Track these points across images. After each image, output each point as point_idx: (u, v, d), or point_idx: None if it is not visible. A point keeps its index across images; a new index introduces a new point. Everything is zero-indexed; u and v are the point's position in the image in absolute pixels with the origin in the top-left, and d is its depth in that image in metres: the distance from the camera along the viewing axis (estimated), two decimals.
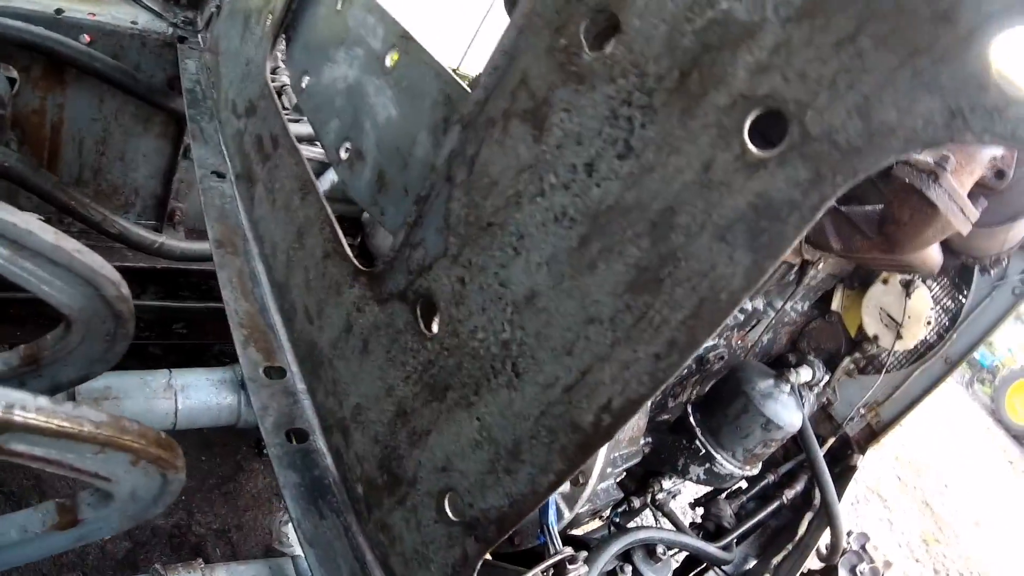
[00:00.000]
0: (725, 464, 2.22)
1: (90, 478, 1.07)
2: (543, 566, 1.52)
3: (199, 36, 2.48)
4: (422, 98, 1.21)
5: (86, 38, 2.37)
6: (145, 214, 2.64)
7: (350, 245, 2.50)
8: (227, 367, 1.88)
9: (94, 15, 2.41)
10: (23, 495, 2.35)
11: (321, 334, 1.35)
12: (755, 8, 0.70)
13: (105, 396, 1.63)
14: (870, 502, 6.74)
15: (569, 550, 1.59)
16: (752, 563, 2.68)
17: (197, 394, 1.83)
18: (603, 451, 1.82)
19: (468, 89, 1.11)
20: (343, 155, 1.40)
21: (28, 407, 0.89)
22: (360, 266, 1.23)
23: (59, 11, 2.32)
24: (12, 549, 1.12)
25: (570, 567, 1.56)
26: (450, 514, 1.06)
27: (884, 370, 2.75)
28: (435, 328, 1.08)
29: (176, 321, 2.55)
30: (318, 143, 2.52)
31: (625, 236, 0.79)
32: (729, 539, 2.41)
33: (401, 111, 1.26)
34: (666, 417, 2.53)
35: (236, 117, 1.86)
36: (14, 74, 2.23)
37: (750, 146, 0.70)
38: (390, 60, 1.32)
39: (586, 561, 1.79)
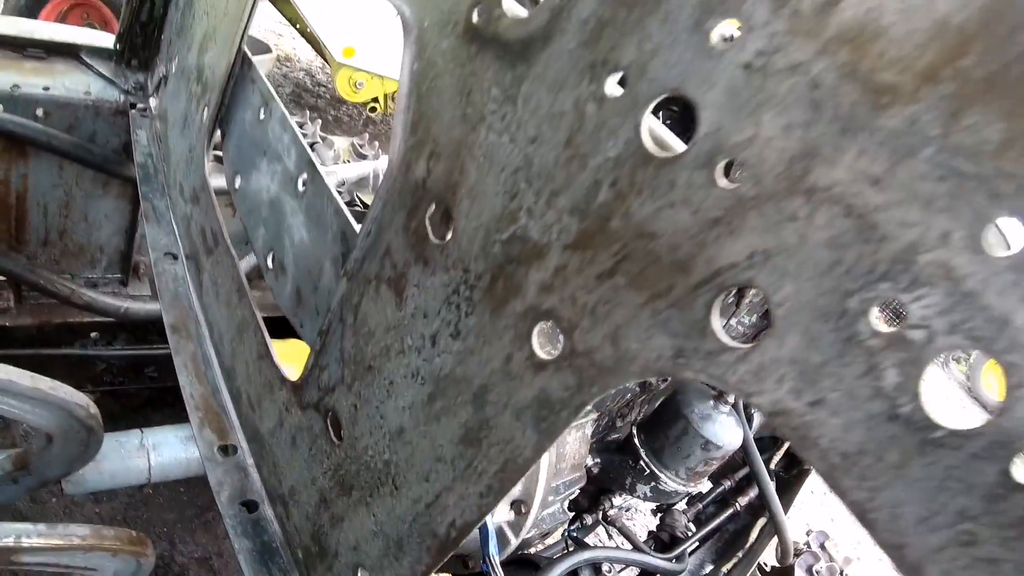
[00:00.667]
0: (669, 483, 2.35)
1: (80, 571, 1.37)
2: None
3: (150, 101, 2.64)
4: (325, 230, 1.41)
5: (41, 111, 2.55)
6: (111, 269, 2.84)
7: None
8: None
9: (48, 88, 2.58)
10: None
11: (261, 422, 1.57)
12: (545, 231, 0.90)
13: None
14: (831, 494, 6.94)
15: None
16: (708, 569, 2.85)
17: (168, 451, 2.07)
18: (543, 479, 2.01)
19: (357, 230, 1.30)
20: (269, 264, 1.60)
21: (31, 535, 1.20)
22: (285, 375, 1.44)
23: (16, 87, 2.49)
24: None
25: None
26: None
27: None
28: (343, 437, 1.29)
29: (147, 365, 2.79)
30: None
31: (457, 401, 1.00)
32: (680, 549, 2.52)
33: (311, 237, 1.46)
34: (616, 437, 2.70)
35: (184, 200, 2.05)
36: None
37: (537, 351, 0.90)
38: (301, 184, 1.51)
39: None
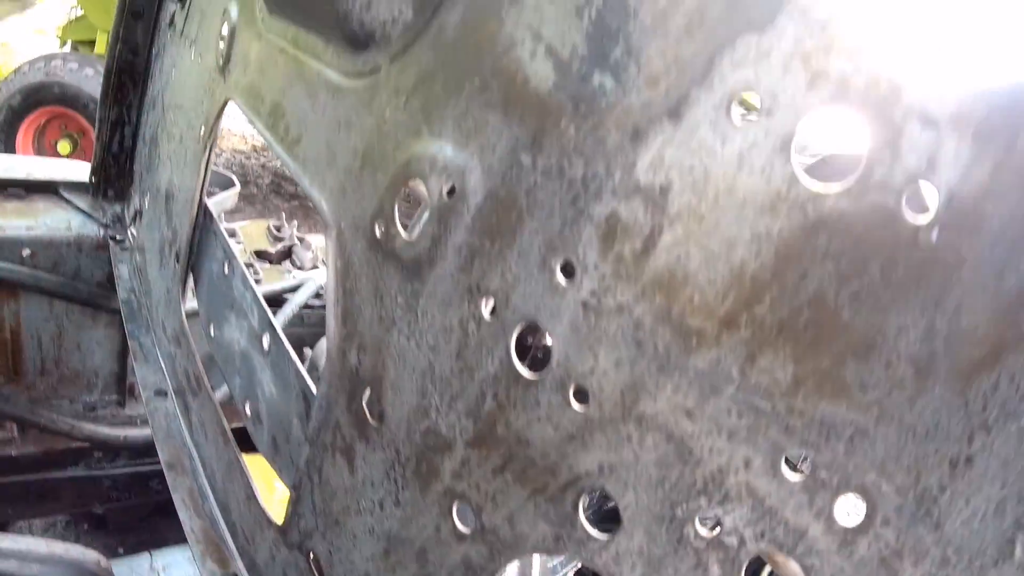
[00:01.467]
0: None
1: None
2: None
3: (128, 231, 2.84)
4: (289, 390, 1.61)
5: (27, 251, 2.75)
6: (107, 391, 3.04)
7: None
8: None
9: (31, 228, 2.78)
10: None
11: (256, 555, 1.77)
12: (450, 428, 1.09)
13: None
14: None
15: None
16: None
17: (178, 571, 2.26)
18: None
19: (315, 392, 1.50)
20: (248, 412, 1.79)
21: None
22: (271, 519, 1.64)
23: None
24: None
25: None
26: None
27: None
28: None
29: (151, 479, 2.99)
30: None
31: (405, 557, 1.20)
32: None
33: (278, 393, 1.65)
34: None
35: (167, 340, 2.25)
36: None
37: (458, 525, 1.09)
38: (266, 342, 1.71)
39: None
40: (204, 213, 2.09)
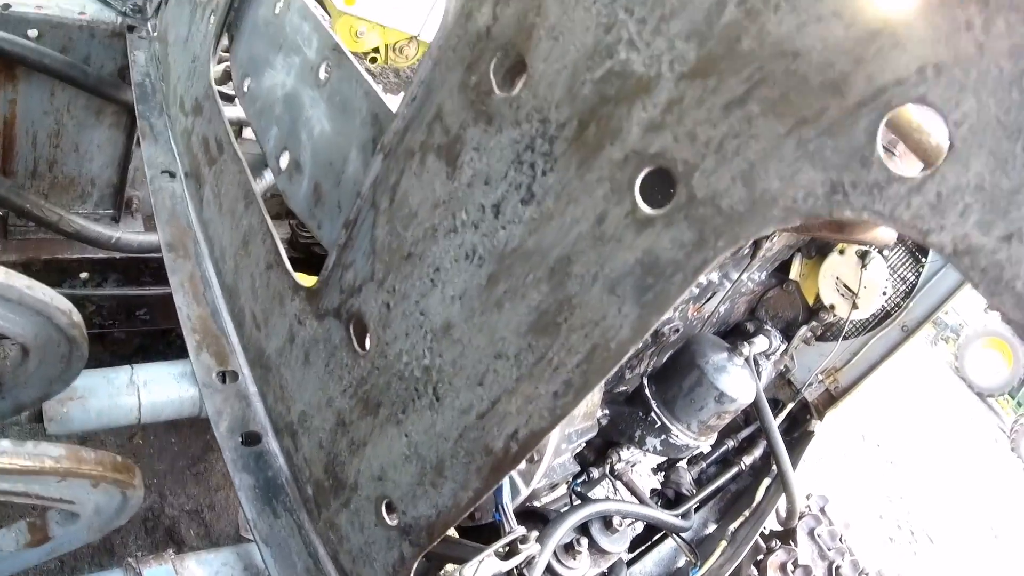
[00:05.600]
0: (680, 436, 2.28)
1: (55, 503, 1.15)
2: (496, 546, 1.58)
3: (148, 23, 2.45)
4: (352, 115, 1.22)
5: (34, 32, 2.35)
6: (102, 203, 2.64)
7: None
8: (187, 360, 1.92)
9: (41, 7, 2.37)
10: None
11: (268, 341, 1.39)
12: (652, 62, 0.72)
13: (70, 397, 1.67)
14: (835, 460, 6.92)
15: (522, 529, 1.64)
16: (711, 528, 2.77)
17: (159, 389, 1.87)
18: (557, 428, 1.87)
19: (393, 111, 1.12)
20: (283, 164, 1.41)
21: None
22: (299, 281, 1.26)
23: (6, 6, 2.29)
24: None
25: (522, 546, 1.63)
26: (387, 519, 1.11)
27: (841, 338, 2.80)
28: (367, 346, 1.11)
29: (138, 308, 2.58)
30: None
31: (527, 280, 0.83)
32: (687, 506, 2.47)
33: (334, 126, 1.27)
34: (624, 388, 2.59)
35: (184, 114, 1.85)
36: None
37: (640, 203, 0.73)
38: (324, 72, 1.32)
39: (540, 537, 1.86)
40: None
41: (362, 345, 1.12)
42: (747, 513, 2.71)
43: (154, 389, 1.86)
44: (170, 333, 2.80)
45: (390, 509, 1.12)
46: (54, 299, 1.26)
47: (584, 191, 0.77)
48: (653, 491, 2.70)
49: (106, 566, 2.43)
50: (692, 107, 0.69)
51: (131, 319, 2.59)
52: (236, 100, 1.82)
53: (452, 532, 2.12)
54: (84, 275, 2.57)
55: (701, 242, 0.68)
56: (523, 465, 1.93)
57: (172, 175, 1.84)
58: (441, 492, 1.00)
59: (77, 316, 1.30)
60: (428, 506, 1.03)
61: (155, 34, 2.38)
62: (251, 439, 1.43)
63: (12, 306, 1.23)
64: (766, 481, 2.78)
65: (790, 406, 2.98)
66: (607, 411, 2.39)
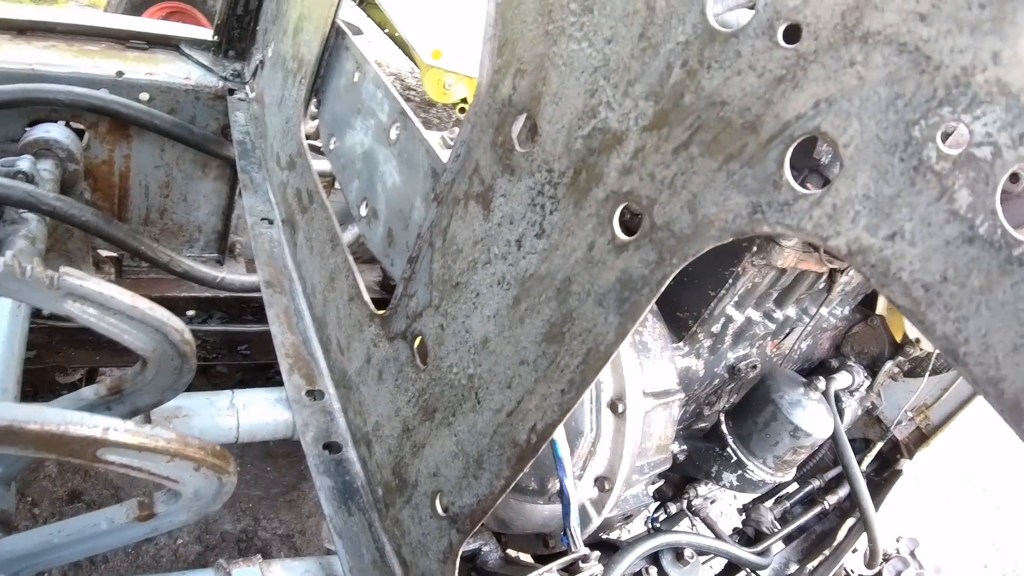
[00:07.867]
0: (756, 471, 2.29)
1: (162, 480, 1.40)
2: (557, 564, 1.70)
3: (247, 86, 2.81)
4: (416, 170, 1.47)
5: (145, 95, 2.72)
6: (208, 248, 2.99)
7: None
8: (282, 387, 2.19)
9: (151, 74, 2.76)
10: (102, 503, 2.72)
11: (349, 364, 1.63)
12: (623, 119, 0.93)
13: (176, 415, 1.97)
14: (937, 505, 6.59)
15: (585, 550, 1.72)
16: (793, 568, 2.73)
17: (256, 411, 2.15)
18: (627, 456, 1.96)
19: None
20: (363, 212, 1.67)
21: (118, 429, 1.23)
22: (375, 310, 1.50)
23: (120, 73, 2.66)
24: (101, 537, 1.47)
25: (583, 565, 1.73)
26: (439, 511, 1.31)
27: (928, 373, 2.70)
28: (428, 362, 1.33)
29: (240, 343, 2.91)
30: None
31: (541, 299, 1.03)
32: (766, 544, 2.45)
33: (402, 179, 1.52)
34: (703, 425, 2.63)
35: (280, 169, 2.17)
36: (84, 131, 2.61)
37: (618, 233, 0.92)
38: (394, 133, 1.58)
39: (609, 561, 1.94)
40: (336, 33, 2.00)
41: (424, 361, 1.34)
42: (827, 552, 2.67)
43: (251, 412, 2.15)
44: (268, 369, 3.11)
45: (442, 501, 1.32)
46: (170, 319, 1.53)
47: (579, 225, 0.97)
48: (735, 530, 2.69)
49: None
50: (651, 153, 0.88)
51: (233, 354, 2.92)
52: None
53: (527, 558, 2.25)
54: (191, 312, 2.92)
55: (661, 261, 0.86)
56: (595, 494, 2.01)
57: (270, 222, 2.14)
58: (480, 482, 1.19)
59: (188, 335, 1.57)
60: (471, 496, 1.22)
61: (253, 96, 2.74)
62: (333, 448, 1.66)
63: (135, 324, 1.50)
64: (849, 521, 2.71)
65: (879, 445, 2.90)
66: (685, 447, 2.42)
